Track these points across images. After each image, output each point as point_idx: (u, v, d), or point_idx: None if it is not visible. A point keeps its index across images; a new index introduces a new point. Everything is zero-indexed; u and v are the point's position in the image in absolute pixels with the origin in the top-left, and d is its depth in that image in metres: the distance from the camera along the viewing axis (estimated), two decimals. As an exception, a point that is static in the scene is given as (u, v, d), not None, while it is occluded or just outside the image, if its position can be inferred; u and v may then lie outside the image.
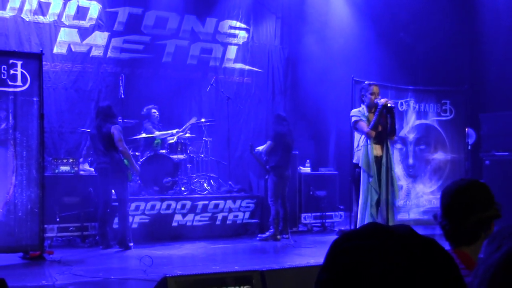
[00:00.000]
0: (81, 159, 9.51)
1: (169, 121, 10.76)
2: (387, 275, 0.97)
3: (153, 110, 10.37)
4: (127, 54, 11.23)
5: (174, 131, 10.25)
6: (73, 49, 10.71)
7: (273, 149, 9.14)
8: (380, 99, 7.40)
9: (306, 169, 10.80)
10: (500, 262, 1.13)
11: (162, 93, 11.00)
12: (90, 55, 10.87)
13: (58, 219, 8.36)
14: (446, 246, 2.42)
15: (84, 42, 10.81)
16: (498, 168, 10.60)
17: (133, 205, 8.96)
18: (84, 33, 10.82)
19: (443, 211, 2.45)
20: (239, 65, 12.38)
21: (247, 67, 12.45)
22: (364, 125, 7.40)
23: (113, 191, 8.43)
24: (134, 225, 8.91)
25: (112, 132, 8.21)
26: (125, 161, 8.45)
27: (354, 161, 7.69)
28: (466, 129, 10.99)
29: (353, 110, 7.69)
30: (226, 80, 12.17)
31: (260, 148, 9.54)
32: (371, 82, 7.65)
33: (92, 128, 8.66)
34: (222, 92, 11.41)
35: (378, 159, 7.45)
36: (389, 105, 7.29)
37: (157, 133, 10.09)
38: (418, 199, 10.42)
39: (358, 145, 7.64)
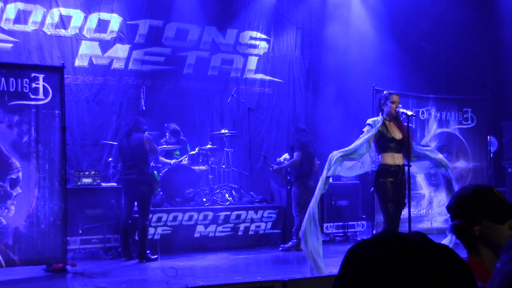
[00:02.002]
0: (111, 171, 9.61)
1: (191, 133, 10.79)
2: (402, 283, 0.96)
3: (172, 126, 10.39)
4: (148, 66, 11.31)
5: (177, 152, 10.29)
6: (94, 62, 10.81)
7: (297, 160, 9.15)
8: (400, 108, 7.36)
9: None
10: None
11: (183, 105, 11.05)
12: (112, 68, 10.96)
13: (80, 231, 8.41)
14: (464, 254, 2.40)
15: (106, 54, 10.91)
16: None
17: (155, 217, 8.99)
18: (105, 45, 10.92)
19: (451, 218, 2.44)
20: (260, 76, 12.40)
21: (268, 78, 12.46)
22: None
23: (135, 203, 8.47)
24: (157, 237, 8.93)
25: (144, 142, 8.30)
26: (156, 174, 8.52)
27: (372, 168, 7.66)
28: (488, 137, 10.89)
29: (370, 119, 7.65)
30: (247, 90, 12.19)
31: (282, 158, 9.53)
32: (392, 91, 7.62)
33: (120, 140, 8.71)
34: (243, 102, 11.44)
35: (400, 168, 7.39)
36: (409, 113, 7.25)
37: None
38: (441, 207, 10.32)
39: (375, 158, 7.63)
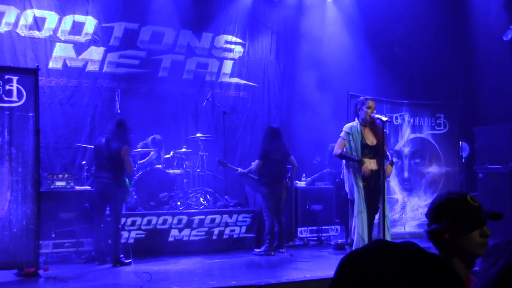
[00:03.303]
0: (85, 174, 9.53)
1: (165, 137, 10.73)
2: None
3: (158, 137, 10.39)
4: (123, 69, 11.24)
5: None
6: (68, 64, 10.71)
7: (262, 166, 9.15)
8: (375, 114, 7.44)
9: (302, 183, 10.81)
10: (497, 277, 1.14)
11: (158, 108, 11.01)
12: (86, 70, 10.87)
13: (53, 235, 8.32)
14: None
15: (80, 57, 10.82)
16: (492, 181, 10.67)
17: (129, 220, 8.93)
18: (80, 48, 10.83)
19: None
20: (235, 80, 12.41)
21: (243, 82, 12.47)
22: (338, 145, 7.49)
23: (108, 206, 8.39)
24: (131, 240, 8.87)
25: (121, 152, 8.22)
26: (128, 182, 8.45)
27: (341, 176, 7.79)
28: (460, 143, 11.04)
29: (346, 125, 7.72)
30: (222, 94, 12.19)
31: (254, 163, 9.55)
32: (367, 97, 7.70)
33: (99, 142, 8.58)
34: (218, 106, 11.44)
35: (373, 173, 7.48)
36: (384, 119, 7.33)
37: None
38: (414, 212, 10.44)
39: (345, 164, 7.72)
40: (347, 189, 7.71)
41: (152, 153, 10.19)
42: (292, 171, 9.49)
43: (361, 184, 7.42)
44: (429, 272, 1.02)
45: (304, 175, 11.02)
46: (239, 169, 9.58)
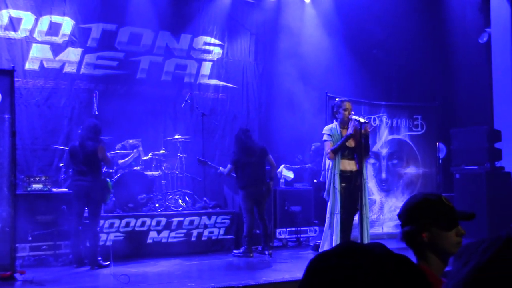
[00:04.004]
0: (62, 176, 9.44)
1: (144, 138, 10.69)
2: None
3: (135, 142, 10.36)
4: (101, 70, 11.16)
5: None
6: (45, 65, 10.62)
7: (237, 170, 9.14)
8: (353, 115, 7.48)
9: (290, 173, 10.86)
10: (468, 277, 1.15)
11: (136, 110, 10.94)
12: (63, 72, 10.78)
13: (30, 238, 8.21)
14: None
15: (57, 58, 10.73)
16: (468, 182, 10.80)
17: (107, 223, 8.86)
18: (57, 49, 10.75)
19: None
20: (213, 81, 12.40)
21: (221, 83, 12.47)
22: (327, 147, 7.52)
23: (86, 208, 8.33)
24: (109, 243, 8.80)
25: (98, 151, 8.16)
26: (109, 183, 8.40)
27: (321, 179, 7.81)
28: (437, 144, 11.16)
29: (326, 127, 7.75)
30: (201, 96, 12.17)
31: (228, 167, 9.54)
32: (344, 98, 7.75)
33: (74, 143, 8.49)
34: (196, 108, 11.41)
35: (353, 174, 7.52)
36: (362, 120, 7.38)
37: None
38: (391, 213, 10.52)
39: (324, 166, 7.75)
40: (325, 193, 7.73)
41: (136, 150, 10.14)
42: (271, 172, 9.48)
43: (338, 186, 7.45)
44: (397, 273, 1.04)
45: (283, 165, 11.06)
46: (220, 168, 9.55)
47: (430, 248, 2.42)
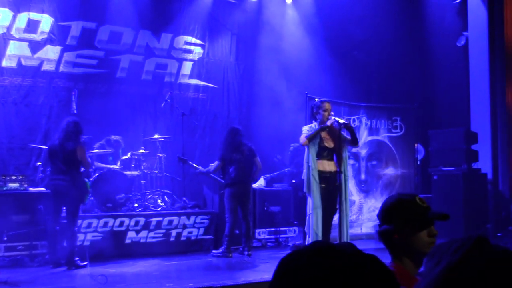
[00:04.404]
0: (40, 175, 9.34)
1: (123, 137, 10.63)
2: None
3: (115, 138, 10.30)
4: (80, 69, 11.08)
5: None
6: (23, 63, 10.51)
7: (223, 167, 9.13)
8: (333, 116, 7.51)
9: (261, 182, 10.84)
10: (439, 277, 1.17)
11: (116, 109, 10.86)
12: (42, 69, 10.68)
13: (5, 238, 8.11)
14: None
15: (35, 56, 10.63)
16: (445, 183, 10.89)
17: (85, 222, 8.78)
18: (36, 46, 10.64)
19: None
20: (194, 81, 12.37)
21: (202, 83, 12.44)
22: (302, 136, 7.56)
23: (63, 208, 8.25)
24: (86, 243, 8.72)
25: (77, 151, 8.07)
26: (88, 183, 8.33)
27: (302, 177, 7.84)
28: (416, 145, 11.24)
29: (304, 127, 7.77)
30: (181, 96, 12.13)
31: (215, 164, 9.53)
32: (323, 99, 7.77)
33: (53, 143, 8.38)
34: (177, 108, 11.35)
35: (332, 174, 7.55)
36: (341, 121, 7.41)
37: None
38: (371, 213, 10.57)
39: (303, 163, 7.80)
40: (305, 188, 7.73)
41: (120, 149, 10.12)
42: (255, 172, 9.48)
43: (317, 185, 7.47)
44: (367, 273, 1.05)
45: (262, 177, 11.03)
46: (200, 167, 9.53)
47: (404, 248, 2.46)
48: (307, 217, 7.67)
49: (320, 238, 7.38)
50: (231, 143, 9.15)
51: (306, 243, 7.48)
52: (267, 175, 11.14)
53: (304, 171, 7.74)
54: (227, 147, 9.16)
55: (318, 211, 7.48)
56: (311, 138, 7.49)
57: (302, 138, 7.57)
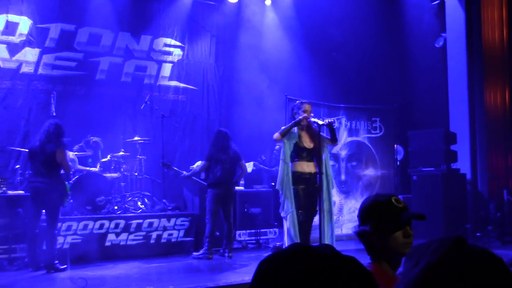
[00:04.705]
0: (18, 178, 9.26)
1: (103, 140, 10.56)
2: None
3: (94, 139, 10.24)
4: (59, 71, 10.99)
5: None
6: (1, 65, 10.40)
7: (209, 167, 9.12)
8: (312, 117, 7.54)
9: (240, 187, 10.83)
10: (418, 277, 1.17)
11: (95, 111, 10.80)
12: (20, 72, 10.57)
13: (-16, 241, 8.05)
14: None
15: (14, 58, 10.52)
16: (425, 183, 10.97)
17: (64, 225, 8.72)
18: (14, 49, 10.54)
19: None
20: (174, 83, 12.33)
21: (182, 85, 12.41)
22: (276, 132, 7.59)
23: (43, 211, 8.19)
24: (66, 246, 8.66)
25: (57, 154, 8.00)
26: (67, 186, 8.27)
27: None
28: (395, 146, 11.31)
29: (283, 127, 7.79)
30: (161, 97, 12.08)
31: (195, 165, 9.52)
32: (304, 100, 7.80)
33: (33, 145, 8.30)
34: (156, 109, 11.30)
35: (311, 176, 7.57)
36: (321, 122, 7.44)
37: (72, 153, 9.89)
38: (351, 214, 10.62)
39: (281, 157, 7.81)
40: (278, 185, 7.74)
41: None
42: (240, 176, 9.47)
43: (291, 177, 7.49)
44: (346, 275, 1.06)
45: (242, 178, 11.02)
46: (184, 172, 9.52)
47: (381, 249, 2.48)
48: (283, 217, 7.68)
49: (297, 238, 7.40)
50: (219, 144, 9.14)
51: (284, 243, 7.52)
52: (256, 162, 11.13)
53: (279, 168, 7.75)
54: (214, 147, 9.16)
55: (294, 211, 7.49)
56: (284, 133, 7.52)
57: (276, 134, 7.61)
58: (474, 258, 1.16)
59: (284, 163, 7.61)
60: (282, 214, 7.69)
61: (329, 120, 7.53)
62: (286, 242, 7.67)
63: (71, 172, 9.25)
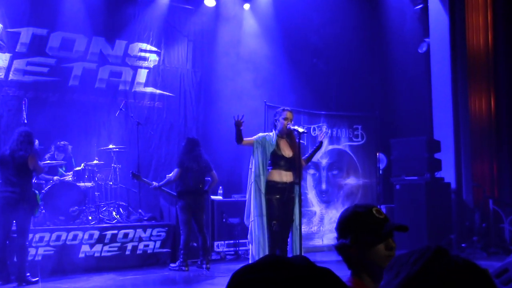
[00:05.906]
0: None
1: (76, 148, 10.32)
2: None
3: (62, 143, 9.99)
4: (31, 77, 10.73)
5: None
6: (-30, 71, 10.11)
7: (180, 176, 8.90)
8: (293, 125, 7.31)
9: (218, 196, 10.61)
10: None
11: (68, 118, 10.61)
12: (-10, 78, 10.31)
13: (-49, 254, 7.74)
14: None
15: (-17, 63, 10.24)
16: (408, 192, 10.81)
17: (37, 236, 8.50)
18: (-17, 54, 10.26)
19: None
20: (149, 89, 12.09)
21: (158, 91, 12.16)
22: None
23: (14, 221, 7.91)
24: (38, 258, 8.44)
25: (29, 160, 7.78)
26: (38, 195, 8.02)
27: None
28: (377, 154, 11.14)
29: (259, 134, 7.56)
30: (136, 104, 11.85)
31: (172, 174, 9.29)
32: (285, 108, 7.57)
33: (3, 154, 8.00)
34: (131, 117, 11.07)
35: (287, 185, 7.32)
36: (301, 130, 7.21)
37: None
38: (332, 224, 10.40)
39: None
40: (247, 193, 7.52)
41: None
42: (210, 185, 9.28)
43: (261, 186, 7.25)
44: (319, 286, 1.06)
45: (220, 187, 10.80)
46: (154, 183, 9.28)
47: (361, 262, 2.35)
48: (249, 225, 7.44)
49: (266, 247, 7.15)
50: (189, 152, 8.99)
51: (250, 252, 7.29)
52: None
53: (249, 176, 7.52)
54: (184, 153, 9.00)
55: (262, 219, 7.22)
56: (240, 140, 7.37)
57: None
58: (456, 269, 1.17)
59: (251, 172, 7.37)
60: (246, 222, 7.47)
61: (304, 131, 7.31)
62: (251, 253, 7.40)
63: (43, 181, 9.01)
